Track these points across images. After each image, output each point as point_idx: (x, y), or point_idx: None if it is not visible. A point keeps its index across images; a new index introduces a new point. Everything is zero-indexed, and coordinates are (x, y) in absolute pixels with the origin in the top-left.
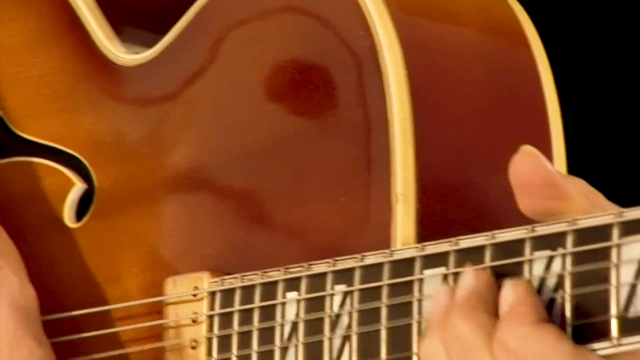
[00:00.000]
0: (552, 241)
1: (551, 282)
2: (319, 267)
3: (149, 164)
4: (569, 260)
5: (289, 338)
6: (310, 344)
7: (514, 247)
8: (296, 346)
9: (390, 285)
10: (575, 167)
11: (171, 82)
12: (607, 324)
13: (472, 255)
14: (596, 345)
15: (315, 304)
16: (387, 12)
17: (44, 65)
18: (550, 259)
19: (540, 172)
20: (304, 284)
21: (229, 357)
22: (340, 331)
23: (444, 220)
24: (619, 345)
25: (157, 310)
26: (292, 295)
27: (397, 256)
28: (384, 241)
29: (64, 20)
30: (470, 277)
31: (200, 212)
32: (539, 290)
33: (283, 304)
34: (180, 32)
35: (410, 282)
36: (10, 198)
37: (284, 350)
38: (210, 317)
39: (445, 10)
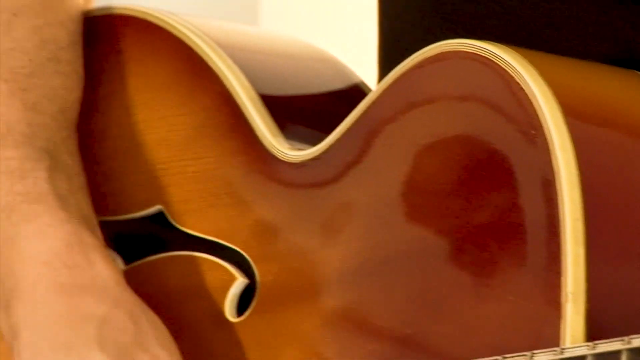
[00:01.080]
0: None
1: None
2: None
3: (310, 259)
4: None
5: None
6: None
7: None
8: None
9: None
10: None
11: (334, 178)
12: None
13: None
14: None
15: None
16: (559, 110)
17: (207, 160)
18: None
19: None
20: None
21: None
22: None
23: (614, 319)
24: None
25: None
26: None
27: (568, 354)
28: (553, 339)
29: (228, 115)
30: None
31: (363, 307)
32: None
33: None
34: (345, 130)
35: None
36: (171, 292)
37: None
38: None
39: (617, 110)
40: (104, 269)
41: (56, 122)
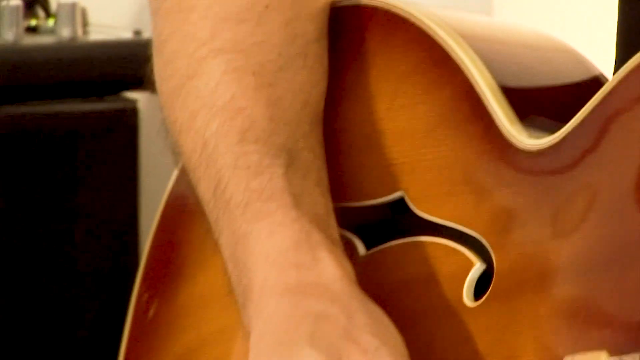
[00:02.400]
0: None
1: None
2: None
3: (545, 247)
4: None
5: None
6: None
7: None
8: None
9: None
10: None
11: (571, 167)
12: None
13: None
14: None
15: None
16: None
17: (447, 148)
18: None
19: None
20: None
21: None
22: None
23: None
24: None
25: None
26: None
27: None
28: None
29: (468, 105)
30: None
31: (596, 296)
32: None
33: None
34: (582, 119)
35: None
36: (409, 277)
37: None
38: None
39: None
40: (328, 266)
41: (298, 118)
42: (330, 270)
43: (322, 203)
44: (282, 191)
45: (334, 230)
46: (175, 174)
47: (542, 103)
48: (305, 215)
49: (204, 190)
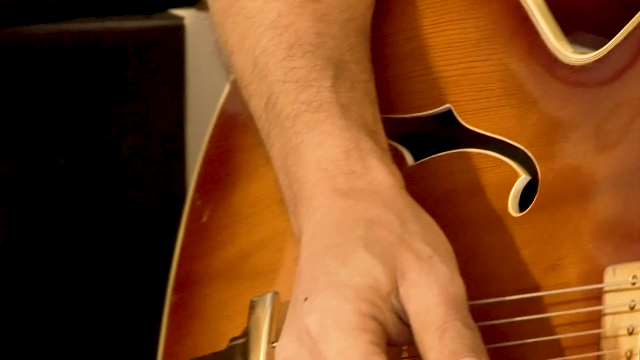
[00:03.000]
0: None
1: None
2: None
3: (590, 159)
4: None
5: None
6: None
7: None
8: None
9: None
10: None
11: (616, 82)
12: None
13: None
14: None
15: None
16: None
17: (494, 62)
18: None
19: None
20: None
21: None
22: None
23: None
24: None
25: (596, 297)
26: None
27: None
28: None
29: (515, 20)
30: None
31: (636, 208)
32: None
33: None
34: (627, 34)
35: None
36: (456, 188)
37: None
38: None
39: None
40: (379, 173)
41: (344, 31)
42: (381, 177)
43: (370, 113)
44: (330, 102)
45: (383, 139)
46: (226, 89)
47: (588, 18)
48: (354, 124)
49: (256, 106)
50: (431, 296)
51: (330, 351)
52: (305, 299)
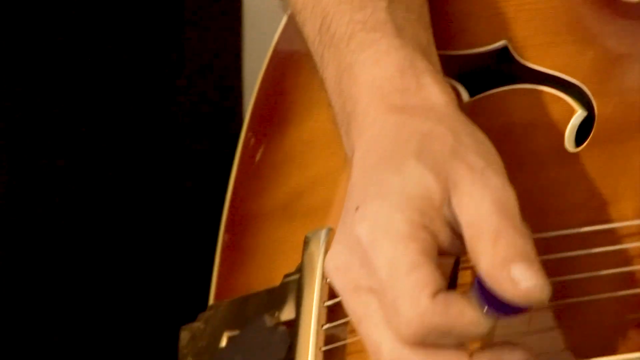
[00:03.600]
0: None
1: None
2: None
3: None
4: None
5: None
6: None
7: None
8: None
9: None
10: None
11: None
12: None
13: None
14: None
15: None
16: None
17: None
18: None
19: None
20: None
21: None
22: None
23: None
24: None
25: None
26: None
27: None
28: None
29: None
30: None
31: None
32: None
33: None
34: None
35: None
36: (511, 124)
37: None
38: None
39: None
40: (433, 91)
41: None
42: (435, 94)
43: (424, 36)
44: (385, 22)
45: (437, 61)
46: (282, 23)
47: None
48: (408, 43)
49: (310, 30)
50: (484, 205)
51: (380, 260)
52: (357, 209)
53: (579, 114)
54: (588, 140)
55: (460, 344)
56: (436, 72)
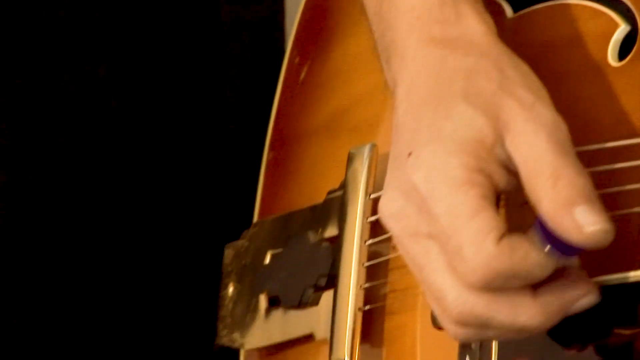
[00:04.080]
0: None
1: None
2: None
3: None
4: None
5: None
6: None
7: None
8: None
9: None
10: None
11: None
12: None
13: None
14: None
15: None
16: None
17: None
18: None
19: None
20: None
21: None
22: None
23: None
24: None
25: None
26: None
27: None
28: None
29: None
30: None
31: None
32: None
33: None
34: None
35: None
36: (554, 39)
37: None
38: None
39: None
40: (473, 22)
41: None
42: (474, 25)
43: None
44: None
45: None
46: None
47: None
48: None
49: None
50: (539, 143)
51: (440, 208)
52: (410, 154)
53: (622, 28)
54: (631, 54)
55: (524, 286)
56: (475, 1)
